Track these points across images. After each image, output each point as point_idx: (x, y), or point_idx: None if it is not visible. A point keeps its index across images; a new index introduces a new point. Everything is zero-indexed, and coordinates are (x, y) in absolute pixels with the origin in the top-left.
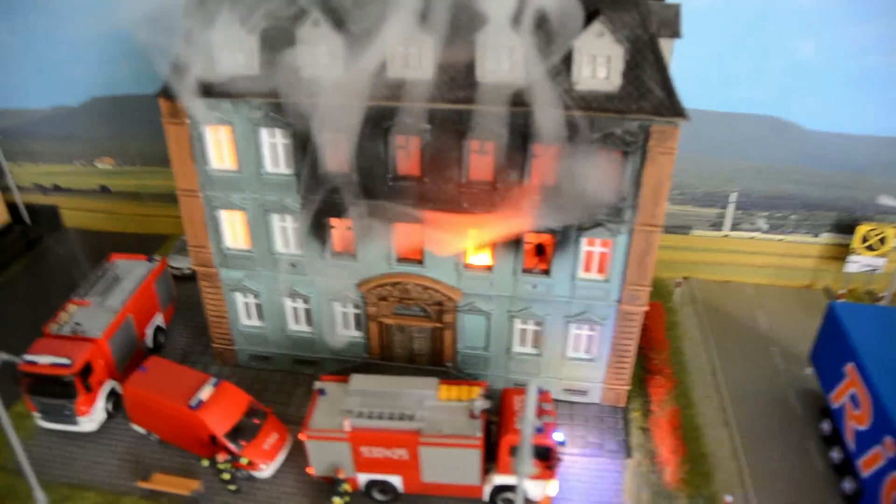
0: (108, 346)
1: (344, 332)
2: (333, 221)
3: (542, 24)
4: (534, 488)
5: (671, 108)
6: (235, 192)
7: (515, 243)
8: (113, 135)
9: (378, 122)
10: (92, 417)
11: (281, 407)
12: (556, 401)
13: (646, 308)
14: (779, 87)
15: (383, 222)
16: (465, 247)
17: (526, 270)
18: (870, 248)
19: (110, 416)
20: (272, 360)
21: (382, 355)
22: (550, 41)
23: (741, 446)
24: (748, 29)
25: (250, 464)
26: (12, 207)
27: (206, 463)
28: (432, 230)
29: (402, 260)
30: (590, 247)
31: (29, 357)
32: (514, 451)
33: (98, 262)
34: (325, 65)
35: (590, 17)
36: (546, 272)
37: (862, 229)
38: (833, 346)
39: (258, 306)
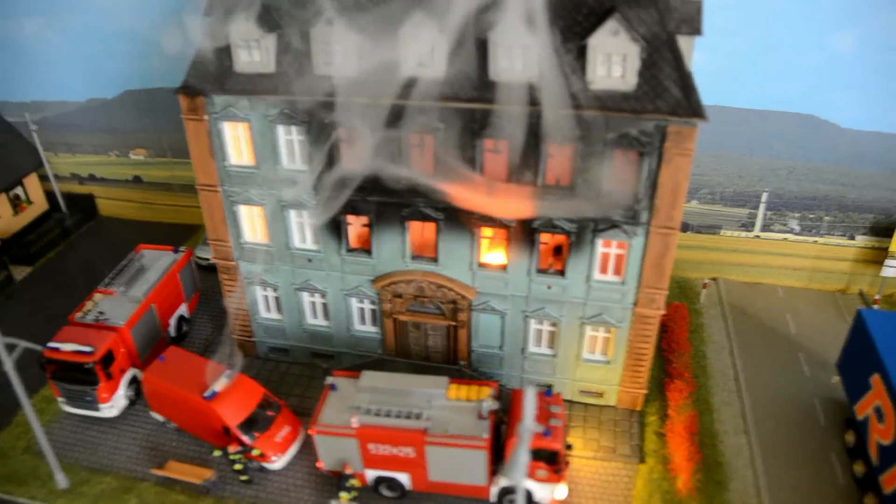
0: (131, 334)
1: (360, 327)
2: (349, 218)
3: (556, 22)
4: (541, 491)
5: (688, 108)
6: (253, 187)
7: (531, 243)
8: (145, 126)
9: (392, 121)
10: (113, 404)
11: (297, 399)
12: (571, 402)
13: (662, 312)
14: (814, 84)
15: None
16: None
17: (541, 271)
18: None
19: (132, 402)
20: (290, 352)
21: (397, 352)
22: (565, 39)
23: (759, 455)
24: (783, 23)
25: (262, 455)
26: (50, 196)
27: (217, 453)
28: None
29: (417, 257)
30: (606, 248)
31: (53, 344)
32: None
33: (130, 251)
34: (338, 63)
35: (605, 14)
36: (561, 273)
37: None
38: (860, 356)
39: (276, 299)
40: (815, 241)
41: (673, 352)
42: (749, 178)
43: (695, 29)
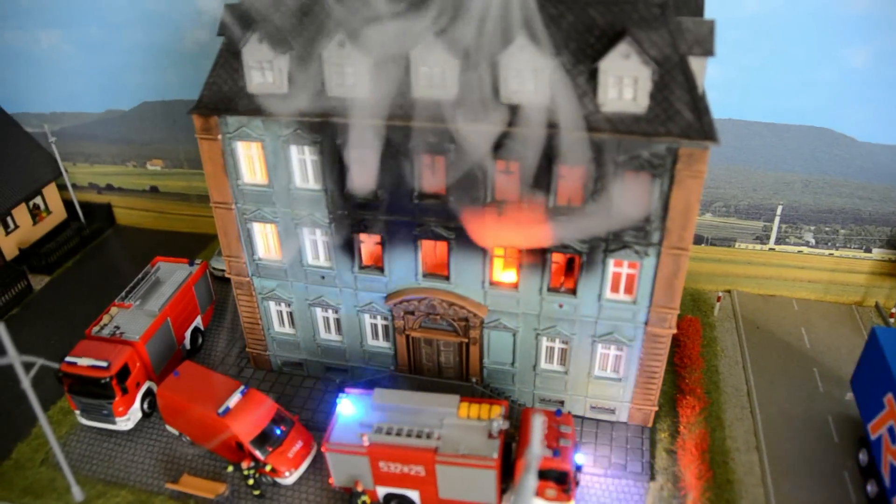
0: (146, 348)
1: (373, 342)
2: (362, 236)
3: (567, 44)
4: None
5: (700, 130)
6: (267, 205)
7: (542, 262)
8: (162, 138)
9: (403, 142)
10: (129, 417)
11: (310, 413)
12: (582, 419)
13: (674, 330)
14: (829, 98)
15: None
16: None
17: (552, 289)
18: None
19: (146, 415)
20: (304, 366)
21: (410, 367)
22: (577, 61)
23: (770, 473)
24: (797, 37)
25: (274, 470)
26: (68, 205)
27: (230, 469)
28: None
29: (429, 275)
30: (617, 268)
31: (70, 359)
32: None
33: (147, 261)
34: (350, 85)
35: (617, 37)
36: (573, 292)
37: None
38: (874, 374)
39: (290, 314)
40: (831, 254)
41: (685, 367)
42: (764, 191)
43: (707, 50)
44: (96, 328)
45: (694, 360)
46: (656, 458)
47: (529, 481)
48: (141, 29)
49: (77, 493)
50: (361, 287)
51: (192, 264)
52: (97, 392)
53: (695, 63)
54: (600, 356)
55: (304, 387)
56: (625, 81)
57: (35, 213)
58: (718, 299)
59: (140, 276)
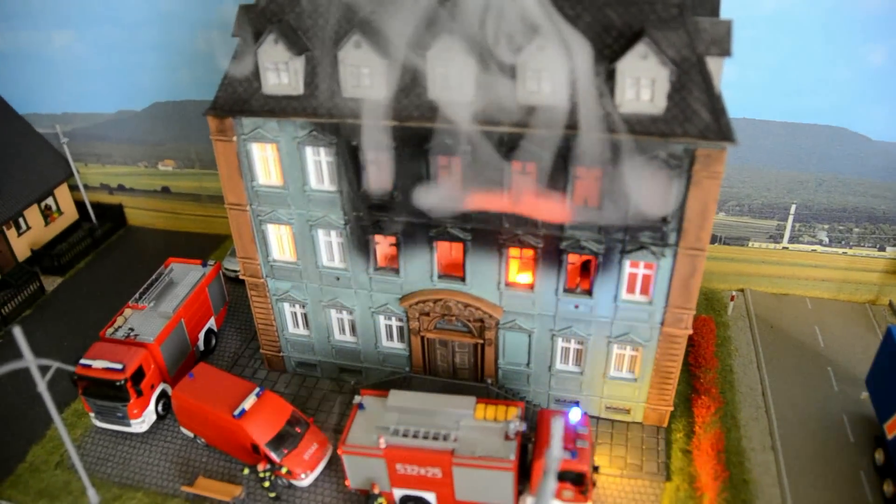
0: (160, 350)
1: (388, 344)
2: (377, 238)
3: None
4: None
5: (718, 131)
6: (282, 207)
7: (558, 263)
8: (174, 138)
9: (419, 143)
10: (143, 420)
11: (325, 415)
12: (598, 419)
13: (690, 331)
14: (844, 97)
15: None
16: None
17: (568, 290)
18: None
19: (161, 417)
20: (318, 367)
21: (425, 368)
22: (594, 62)
23: (786, 473)
24: (814, 36)
25: (290, 472)
26: (80, 206)
27: (246, 471)
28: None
29: (445, 276)
30: (633, 269)
31: (84, 361)
32: None
33: (159, 261)
34: (366, 86)
35: (635, 37)
36: (588, 293)
37: None
38: (890, 373)
39: (304, 316)
40: (845, 253)
41: (700, 367)
42: (777, 190)
43: (724, 50)
44: (110, 330)
45: (708, 359)
46: (672, 458)
47: (549, 484)
48: (153, 29)
49: (93, 496)
50: (376, 288)
51: (205, 265)
52: (112, 394)
53: (712, 63)
54: (616, 357)
55: (318, 388)
56: (642, 82)
57: (47, 214)
58: (732, 298)
59: (154, 277)
